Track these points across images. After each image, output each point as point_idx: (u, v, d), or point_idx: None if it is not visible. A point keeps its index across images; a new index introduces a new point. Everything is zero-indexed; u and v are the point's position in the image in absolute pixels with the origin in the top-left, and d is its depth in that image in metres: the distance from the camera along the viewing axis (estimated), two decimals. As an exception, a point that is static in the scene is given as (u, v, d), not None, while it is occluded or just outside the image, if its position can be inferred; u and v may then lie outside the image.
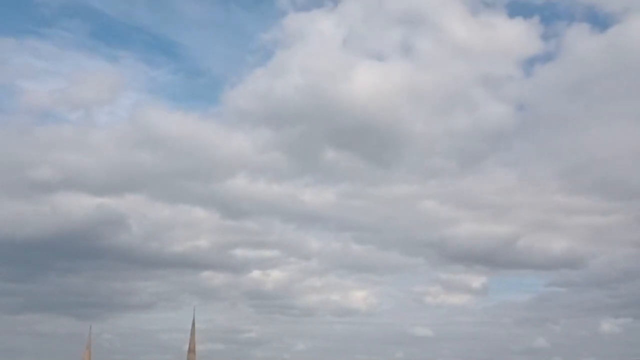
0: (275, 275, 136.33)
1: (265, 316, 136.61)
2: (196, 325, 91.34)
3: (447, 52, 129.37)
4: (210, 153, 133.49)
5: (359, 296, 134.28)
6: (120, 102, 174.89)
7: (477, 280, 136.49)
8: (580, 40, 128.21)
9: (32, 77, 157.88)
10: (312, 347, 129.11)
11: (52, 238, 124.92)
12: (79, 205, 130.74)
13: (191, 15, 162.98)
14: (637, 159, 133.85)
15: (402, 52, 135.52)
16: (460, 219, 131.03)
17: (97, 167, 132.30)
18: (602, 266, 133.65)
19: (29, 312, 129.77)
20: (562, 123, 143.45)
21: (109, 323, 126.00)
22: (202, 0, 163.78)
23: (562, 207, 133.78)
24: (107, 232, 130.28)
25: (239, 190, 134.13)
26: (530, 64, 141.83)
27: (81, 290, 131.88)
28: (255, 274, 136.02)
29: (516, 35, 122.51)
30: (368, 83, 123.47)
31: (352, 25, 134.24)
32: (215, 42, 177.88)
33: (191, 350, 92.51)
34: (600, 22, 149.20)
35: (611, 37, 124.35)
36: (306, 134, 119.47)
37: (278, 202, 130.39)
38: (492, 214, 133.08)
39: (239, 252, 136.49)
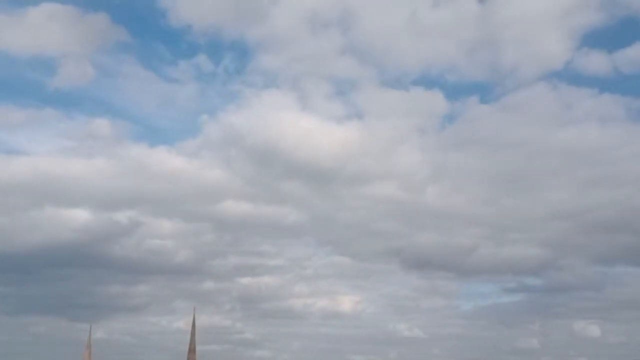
0: (265, 281, 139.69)
1: (257, 319, 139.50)
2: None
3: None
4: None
5: (345, 301, 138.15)
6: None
7: (450, 285, 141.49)
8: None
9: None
10: (308, 347, 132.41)
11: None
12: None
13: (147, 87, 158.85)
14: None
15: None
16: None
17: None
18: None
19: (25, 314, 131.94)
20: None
21: (108, 324, 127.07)
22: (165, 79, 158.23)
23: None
24: (106, 242, 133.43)
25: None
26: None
27: (78, 292, 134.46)
28: (246, 280, 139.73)
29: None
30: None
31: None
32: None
33: (191, 350, 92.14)
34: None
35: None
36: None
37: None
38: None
39: (232, 260, 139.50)
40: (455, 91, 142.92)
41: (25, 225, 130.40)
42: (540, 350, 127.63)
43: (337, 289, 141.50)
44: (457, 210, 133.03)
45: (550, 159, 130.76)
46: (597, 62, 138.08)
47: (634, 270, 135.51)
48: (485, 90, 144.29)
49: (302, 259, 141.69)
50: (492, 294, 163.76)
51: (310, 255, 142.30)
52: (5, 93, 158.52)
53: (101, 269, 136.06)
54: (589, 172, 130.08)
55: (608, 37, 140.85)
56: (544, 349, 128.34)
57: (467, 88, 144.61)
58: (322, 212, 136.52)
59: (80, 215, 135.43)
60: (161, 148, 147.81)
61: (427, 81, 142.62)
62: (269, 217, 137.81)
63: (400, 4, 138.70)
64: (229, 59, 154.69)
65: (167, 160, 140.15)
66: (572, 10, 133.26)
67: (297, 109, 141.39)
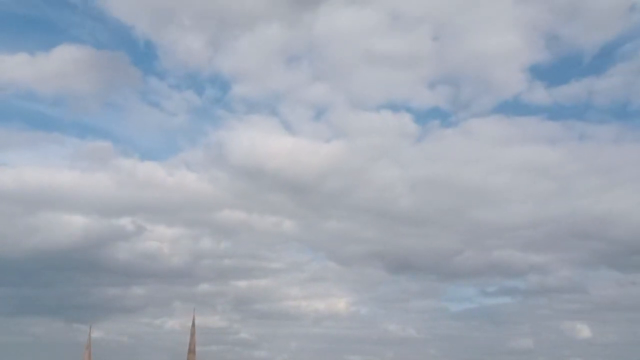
0: (261, 284, 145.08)
1: (254, 321, 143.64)
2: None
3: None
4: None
5: (338, 303, 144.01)
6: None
7: (436, 288, 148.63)
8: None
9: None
10: (305, 347, 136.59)
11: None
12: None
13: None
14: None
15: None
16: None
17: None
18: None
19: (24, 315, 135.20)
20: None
21: (107, 325, 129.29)
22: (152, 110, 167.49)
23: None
24: (105, 246, 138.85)
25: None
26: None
27: (78, 294, 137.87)
28: (243, 283, 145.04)
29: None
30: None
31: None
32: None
33: (191, 350, 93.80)
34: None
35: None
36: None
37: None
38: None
39: (229, 264, 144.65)
40: (420, 115, 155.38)
41: (26, 230, 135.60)
42: (535, 350, 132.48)
43: (330, 292, 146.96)
44: (431, 218, 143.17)
45: (506, 175, 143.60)
46: (542, 93, 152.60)
47: (610, 273, 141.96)
48: (445, 116, 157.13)
49: (296, 263, 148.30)
50: (475, 296, 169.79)
51: (303, 260, 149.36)
52: (20, 118, 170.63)
53: (100, 272, 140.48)
54: (542, 186, 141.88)
55: (552, 72, 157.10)
56: (539, 349, 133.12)
57: (429, 113, 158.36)
58: (311, 221, 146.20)
59: (80, 221, 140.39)
60: (156, 163, 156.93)
61: (393, 105, 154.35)
62: (263, 225, 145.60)
63: (358, 36, 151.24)
64: (210, 90, 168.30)
65: (163, 174, 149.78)
66: (521, 49, 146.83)
67: (279, 131, 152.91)
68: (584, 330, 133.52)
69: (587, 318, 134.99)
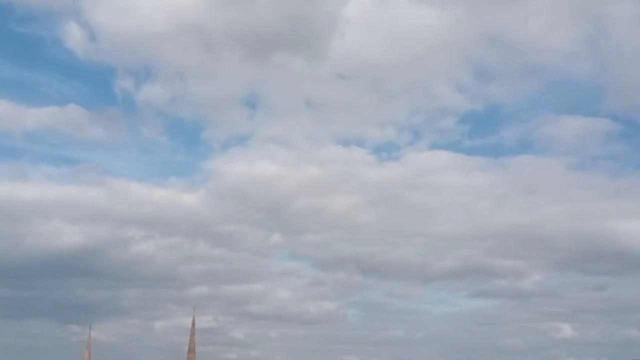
0: (257, 288, 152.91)
1: (249, 322, 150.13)
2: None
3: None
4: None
5: (328, 306, 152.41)
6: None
7: (416, 291, 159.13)
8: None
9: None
10: (302, 347, 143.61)
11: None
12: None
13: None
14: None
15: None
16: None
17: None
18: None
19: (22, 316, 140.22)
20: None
21: (106, 326, 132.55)
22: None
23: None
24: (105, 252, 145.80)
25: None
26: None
27: (77, 296, 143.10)
28: (239, 287, 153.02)
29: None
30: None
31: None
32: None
33: (191, 350, 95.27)
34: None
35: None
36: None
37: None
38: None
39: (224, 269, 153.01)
40: (374, 149, 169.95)
41: (27, 237, 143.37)
42: (524, 350, 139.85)
43: (318, 295, 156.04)
44: (396, 229, 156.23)
45: (448, 195, 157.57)
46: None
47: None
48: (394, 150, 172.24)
49: (284, 269, 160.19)
50: (451, 300, 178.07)
51: (290, 267, 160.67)
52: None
53: (98, 275, 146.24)
54: (480, 204, 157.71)
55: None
56: (528, 349, 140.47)
57: (382, 147, 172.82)
58: (293, 233, 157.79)
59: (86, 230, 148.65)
60: (151, 183, 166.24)
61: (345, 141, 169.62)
62: (252, 236, 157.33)
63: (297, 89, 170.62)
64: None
65: (160, 192, 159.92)
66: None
67: (255, 159, 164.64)
68: (567, 330, 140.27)
69: (566, 320, 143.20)
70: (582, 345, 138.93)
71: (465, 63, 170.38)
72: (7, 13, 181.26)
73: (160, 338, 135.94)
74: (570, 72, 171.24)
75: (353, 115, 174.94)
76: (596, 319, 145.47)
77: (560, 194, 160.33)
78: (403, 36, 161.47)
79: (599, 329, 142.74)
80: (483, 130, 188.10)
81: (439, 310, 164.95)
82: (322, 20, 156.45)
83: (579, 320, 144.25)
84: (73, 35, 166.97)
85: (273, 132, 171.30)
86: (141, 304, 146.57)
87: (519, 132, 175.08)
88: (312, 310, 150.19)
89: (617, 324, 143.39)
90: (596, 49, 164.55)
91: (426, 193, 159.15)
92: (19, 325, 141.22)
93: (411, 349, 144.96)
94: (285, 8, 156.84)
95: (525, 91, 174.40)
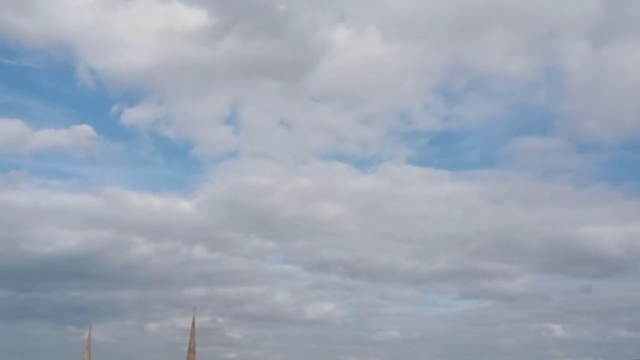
0: (255, 290, 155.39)
1: (247, 322, 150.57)
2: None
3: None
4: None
5: (325, 307, 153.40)
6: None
7: (406, 293, 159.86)
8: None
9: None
10: (300, 347, 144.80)
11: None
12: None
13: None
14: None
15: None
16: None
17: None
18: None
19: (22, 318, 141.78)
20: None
21: (105, 326, 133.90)
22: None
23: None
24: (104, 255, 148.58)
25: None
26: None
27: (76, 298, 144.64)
28: (237, 289, 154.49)
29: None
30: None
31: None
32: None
33: (191, 350, 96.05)
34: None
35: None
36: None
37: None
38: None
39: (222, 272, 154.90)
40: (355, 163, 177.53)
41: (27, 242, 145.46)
42: (520, 350, 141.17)
43: (316, 298, 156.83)
44: (380, 235, 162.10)
45: (423, 206, 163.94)
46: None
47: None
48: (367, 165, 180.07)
49: (279, 272, 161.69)
50: (444, 301, 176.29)
51: (284, 270, 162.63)
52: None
53: (98, 278, 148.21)
54: (452, 213, 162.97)
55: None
56: (524, 349, 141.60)
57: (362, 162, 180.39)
58: (285, 239, 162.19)
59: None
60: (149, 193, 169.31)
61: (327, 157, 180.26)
62: (247, 241, 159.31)
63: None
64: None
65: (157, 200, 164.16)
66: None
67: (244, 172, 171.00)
68: (559, 331, 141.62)
69: (558, 322, 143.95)
70: (577, 345, 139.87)
71: (434, 88, 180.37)
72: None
73: (159, 339, 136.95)
74: (527, 98, 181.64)
75: (333, 134, 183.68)
76: (586, 320, 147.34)
77: (527, 202, 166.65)
78: (378, 65, 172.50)
79: (590, 329, 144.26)
80: (449, 148, 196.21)
81: (431, 312, 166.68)
82: (303, 49, 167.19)
83: (569, 321, 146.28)
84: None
85: (257, 149, 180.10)
86: (139, 306, 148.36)
87: (483, 150, 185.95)
88: (308, 311, 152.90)
89: (606, 324, 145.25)
90: (551, 78, 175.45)
91: (404, 203, 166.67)
92: (18, 327, 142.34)
93: (408, 349, 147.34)
94: (268, 37, 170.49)
95: (488, 114, 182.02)
